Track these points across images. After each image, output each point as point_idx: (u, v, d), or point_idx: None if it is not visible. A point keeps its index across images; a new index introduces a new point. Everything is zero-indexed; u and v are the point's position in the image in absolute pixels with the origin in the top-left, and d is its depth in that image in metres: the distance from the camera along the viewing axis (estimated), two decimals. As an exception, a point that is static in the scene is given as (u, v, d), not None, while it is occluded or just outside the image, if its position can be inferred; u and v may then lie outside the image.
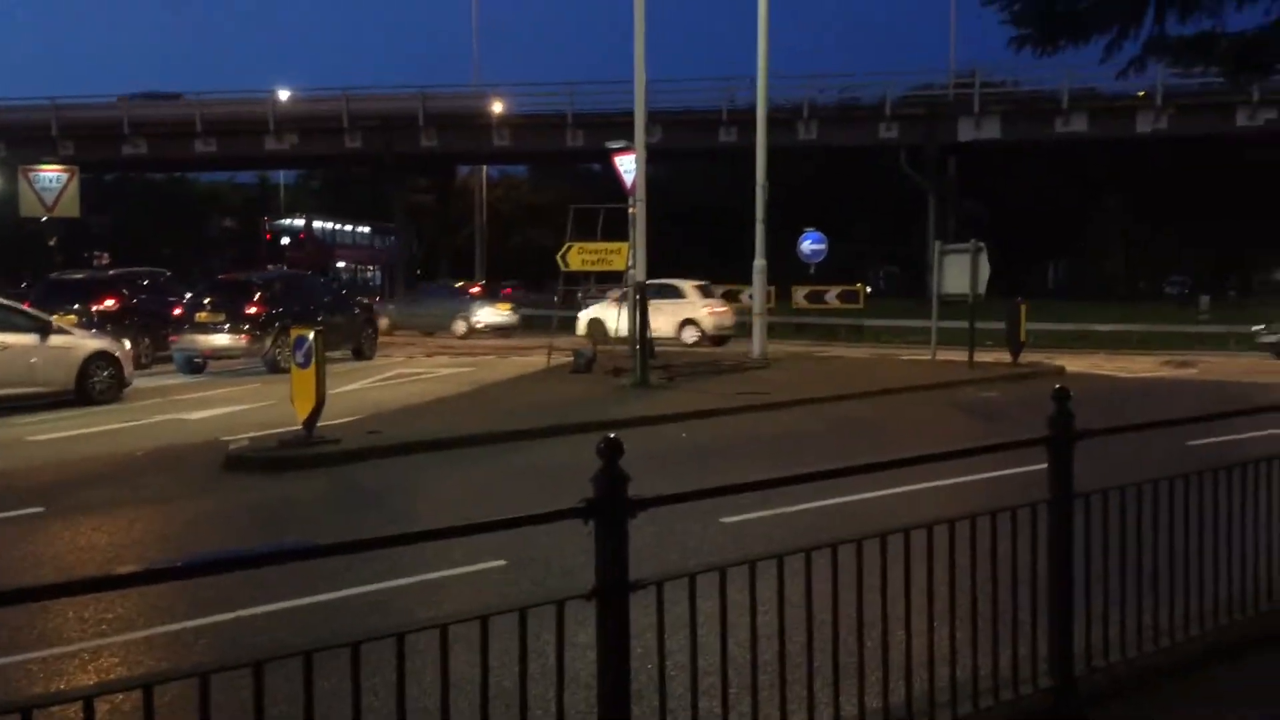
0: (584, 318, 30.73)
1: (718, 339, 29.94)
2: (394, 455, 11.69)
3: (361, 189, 65.44)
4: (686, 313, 30.14)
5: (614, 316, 29.04)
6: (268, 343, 21.10)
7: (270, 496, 10.05)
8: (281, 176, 72.40)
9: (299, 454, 11.23)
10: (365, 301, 27.39)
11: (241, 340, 21.26)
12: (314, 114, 49.41)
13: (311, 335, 11.34)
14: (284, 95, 50.16)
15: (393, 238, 56.54)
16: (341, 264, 59.53)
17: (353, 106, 48.43)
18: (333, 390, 14.73)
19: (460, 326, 34.16)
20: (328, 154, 52.06)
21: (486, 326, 34.75)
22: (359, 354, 23.91)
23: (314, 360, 11.22)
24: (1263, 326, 27.71)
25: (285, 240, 57.47)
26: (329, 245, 59.03)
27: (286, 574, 6.51)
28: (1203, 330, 32.56)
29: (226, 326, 21.25)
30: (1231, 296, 37.67)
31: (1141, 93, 42.27)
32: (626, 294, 28.65)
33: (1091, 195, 65.34)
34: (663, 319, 26.68)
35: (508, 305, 36.95)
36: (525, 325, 35.72)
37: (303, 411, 11.48)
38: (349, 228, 62.31)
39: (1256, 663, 5.16)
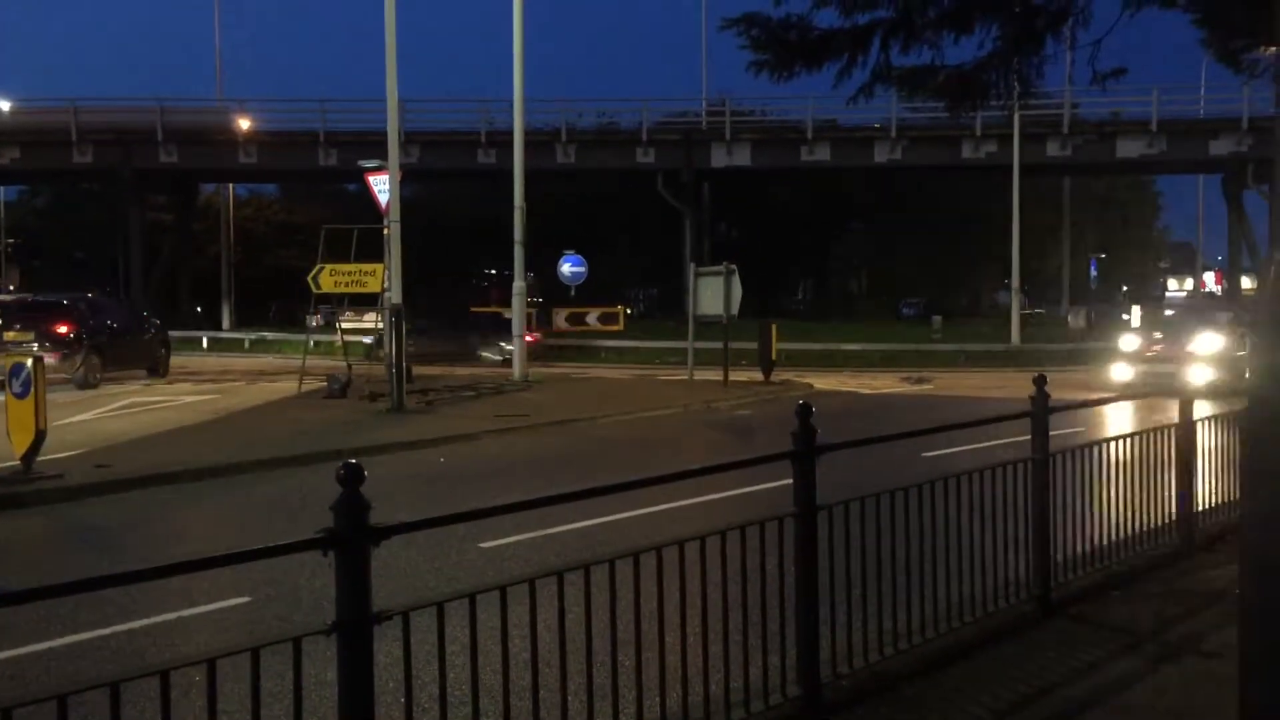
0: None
1: None
2: (126, 490, 10.91)
3: (95, 207, 61.33)
4: None
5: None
6: (78, 360, 21.70)
7: (-18, 539, 9.17)
8: (1, 193, 66.92)
9: (15, 491, 10.30)
10: (158, 322, 28.09)
11: (53, 358, 21.09)
12: (38, 125, 45.94)
13: (30, 363, 10.44)
14: (4, 105, 46.44)
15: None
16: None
17: (82, 119, 45.33)
18: (61, 421, 13.69)
19: None
20: (55, 168, 48.56)
21: None
22: (154, 372, 24.99)
23: (33, 389, 10.32)
24: None
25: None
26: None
27: (-4, 624, 5.95)
28: (936, 349, 34.76)
29: (35, 345, 21.33)
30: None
31: (878, 124, 44.93)
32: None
33: (836, 220, 68.94)
34: None
35: None
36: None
37: (20, 445, 10.54)
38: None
39: (984, 660, 5.47)
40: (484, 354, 30.95)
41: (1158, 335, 23.30)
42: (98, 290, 32.92)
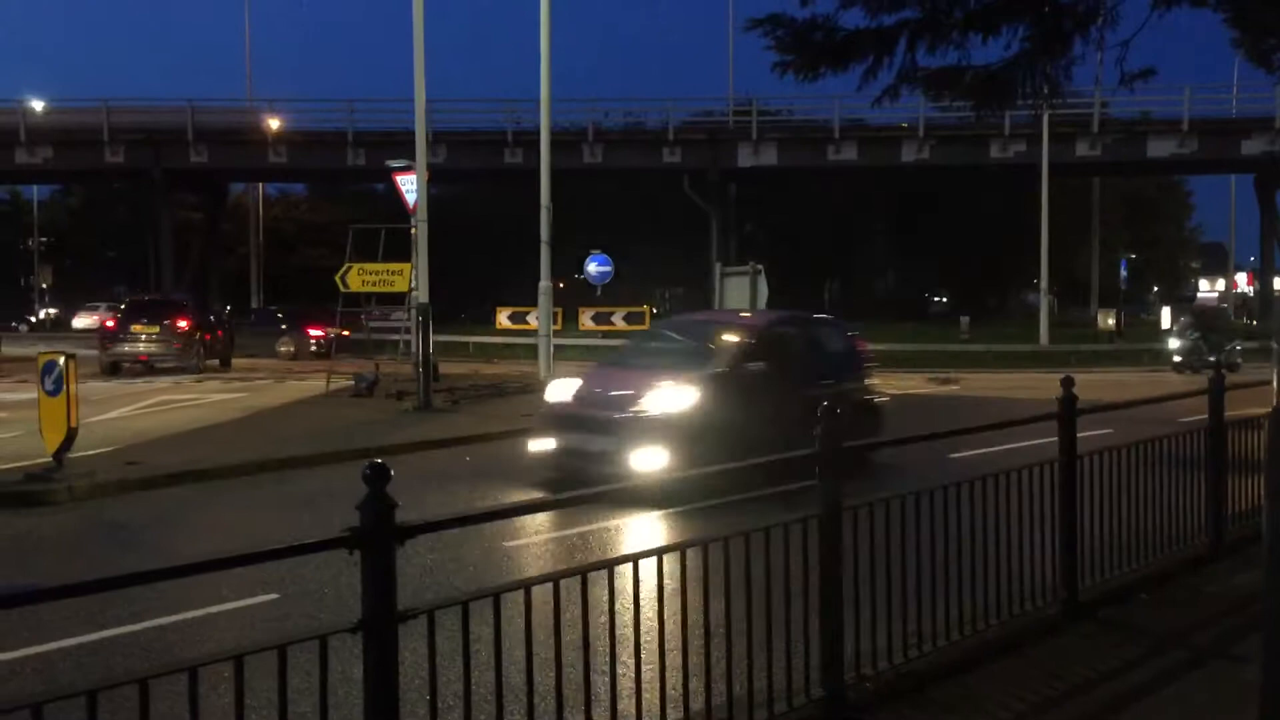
0: None
1: None
2: (155, 487, 11.01)
3: (125, 206, 61.98)
4: None
5: None
6: (191, 350, 25.88)
7: (13, 534, 9.28)
8: (35, 192, 67.71)
9: (47, 488, 10.40)
10: (228, 320, 32.39)
11: (175, 348, 25.95)
12: (71, 125, 46.41)
13: (62, 360, 10.54)
14: (38, 105, 46.94)
15: None
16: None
17: (114, 119, 45.78)
18: (92, 418, 13.83)
19: None
20: (87, 168, 49.05)
21: None
22: (225, 363, 28.58)
23: (65, 387, 10.42)
24: None
25: None
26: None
27: (28, 618, 6.01)
28: (964, 349, 34.56)
29: (155, 336, 25.78)
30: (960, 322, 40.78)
31: (905, 124, 44.72)
32: None
33: (864, 218, 68.71)
34: None
35: None
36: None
37: (52, 442, 10.66)
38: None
39: (1012, 664, 5.44)
40: (279, 348, 34.25)
41: (596, 377, 12.72)
42: (135, 289, 35.07)
